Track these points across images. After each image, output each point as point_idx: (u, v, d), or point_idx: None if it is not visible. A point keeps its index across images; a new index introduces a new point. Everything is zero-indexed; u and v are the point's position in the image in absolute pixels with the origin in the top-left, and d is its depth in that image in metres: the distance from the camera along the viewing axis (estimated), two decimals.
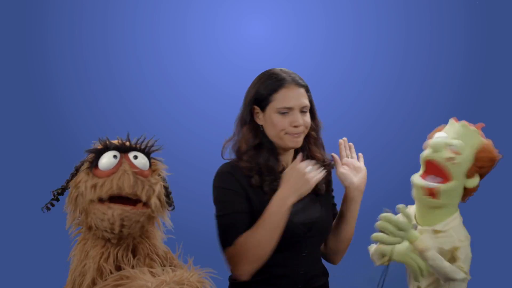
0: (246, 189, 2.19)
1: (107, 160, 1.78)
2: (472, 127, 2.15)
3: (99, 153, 1.80)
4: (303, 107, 2.21)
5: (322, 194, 2.31)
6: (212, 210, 2.43)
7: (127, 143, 1.84)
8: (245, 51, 3.81)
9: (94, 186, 1.76)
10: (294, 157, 2.27)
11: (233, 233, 2.16)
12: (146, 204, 1.80)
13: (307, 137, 2.28)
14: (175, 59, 3.81)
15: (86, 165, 1.82)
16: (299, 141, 2.23)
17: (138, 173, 1.80)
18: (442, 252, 2.03)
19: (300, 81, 2.24)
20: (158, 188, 1.83)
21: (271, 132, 2.23)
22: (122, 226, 1.77)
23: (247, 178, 2.21)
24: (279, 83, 2.21)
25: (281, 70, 2.29)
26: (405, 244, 2.04)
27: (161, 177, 1.90)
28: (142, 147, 1.85)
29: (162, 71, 3.84)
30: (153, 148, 1.87)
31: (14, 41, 3.76)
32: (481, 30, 3.78)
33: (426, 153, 2.10)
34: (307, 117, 2.23)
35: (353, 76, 3.77)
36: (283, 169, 2.24)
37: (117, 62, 3.81)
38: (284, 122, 2.19)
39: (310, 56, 3.81)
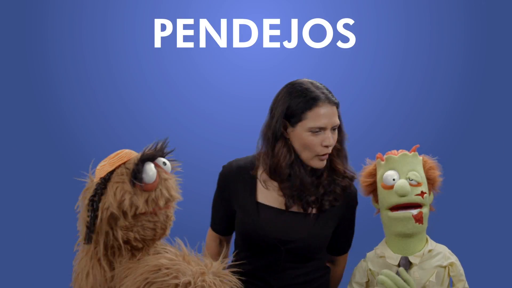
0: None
1: (153, 172, 1.85)
2: (411, 153, 2.17)
3: (138, 167, 1.84)
4: (335, 126, 2.12)
5: (325, 209, 2.18)
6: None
7: (155, 151, 1.90)
8: (246, 51, 3.81)
9: (147, 200, 1.84)
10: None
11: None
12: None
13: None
14: (176, 59, 3.82)
15: (122, 182, 1.84)
16: (324, 163, 2.14)
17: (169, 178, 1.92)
18: (439, 271, 2.10)
19: (333, 98, 2.12)
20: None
21: (299, 148, 2.13)
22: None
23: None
24: (312, 102, 2.09)
25: (312, 84, 2.14)
26: None
27: None
28: (165, 153, 1.93)
29: (162, 71, 3.84)
30: (167, 151, 1.95)
31: (14, 41, 3.76)
32: (481, 30, 3.78)
33: (394, 200, 2.09)
34: (336, 135, 2.14)
35: (353, 76, 3.77)
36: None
37: (117, 62, 3.81)
38: (315, 141, 2.09)
39: (310, 57, 3.81)
